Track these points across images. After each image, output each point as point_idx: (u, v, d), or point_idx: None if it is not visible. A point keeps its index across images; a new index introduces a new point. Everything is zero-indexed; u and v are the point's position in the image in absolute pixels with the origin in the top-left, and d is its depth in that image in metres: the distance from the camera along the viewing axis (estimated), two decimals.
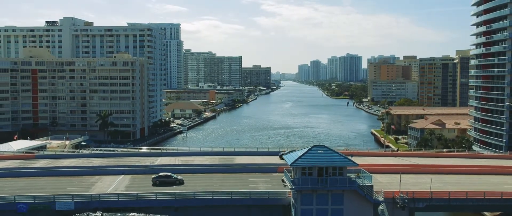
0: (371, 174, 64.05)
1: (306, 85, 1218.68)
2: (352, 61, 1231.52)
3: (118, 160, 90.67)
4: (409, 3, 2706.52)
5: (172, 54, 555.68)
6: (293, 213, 59.39)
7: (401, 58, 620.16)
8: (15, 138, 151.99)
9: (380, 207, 59.05)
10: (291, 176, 60.02)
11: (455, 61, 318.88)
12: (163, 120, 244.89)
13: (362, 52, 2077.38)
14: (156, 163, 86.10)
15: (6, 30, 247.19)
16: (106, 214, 65.86)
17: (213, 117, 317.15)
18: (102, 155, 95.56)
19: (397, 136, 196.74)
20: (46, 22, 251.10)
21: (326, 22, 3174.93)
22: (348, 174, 59.35)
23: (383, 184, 70.63)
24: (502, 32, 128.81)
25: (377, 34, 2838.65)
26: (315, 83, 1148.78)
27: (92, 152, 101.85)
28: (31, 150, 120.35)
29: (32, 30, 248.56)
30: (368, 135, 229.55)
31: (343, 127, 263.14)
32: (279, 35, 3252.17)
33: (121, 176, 76.33)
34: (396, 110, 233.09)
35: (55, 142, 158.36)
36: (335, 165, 57.15)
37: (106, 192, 65.94)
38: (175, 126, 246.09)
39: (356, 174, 59.79)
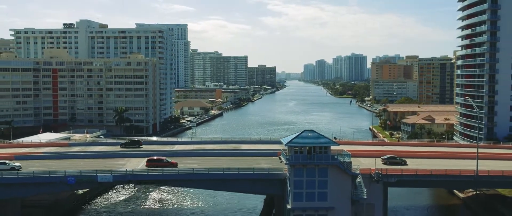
0: (356, 157, 78.46)
1: (311, 84, 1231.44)
2: (357, 60, 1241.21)
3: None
4: (415, 3, 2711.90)
5: (179, 54, 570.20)
6: (288, 184, 74.00)
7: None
8: (40, 132, 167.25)
9: (358, 180, 73.49)
10: (286, 154, 74.63)
11: (452, 61, 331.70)
12: (173, 117, 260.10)
13: (367, 51, 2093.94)
14: (174, 149, 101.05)
15: (26, 32, 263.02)
16: (138, 185, 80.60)
17: (220, 115, 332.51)
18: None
19: (392, 132, 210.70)
20: (64, 24, 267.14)
21: (332, 22, 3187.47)
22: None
23: (365, 164, 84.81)
24: (481, 36, 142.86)
25: (383, 33, 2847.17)
26: (320, 83, 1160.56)
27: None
28: (64, 139, 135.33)
29: (50, 32, 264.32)
30: (367, 131, 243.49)
31: (343, 123, 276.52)
32: (285, 35, 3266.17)
33: (146, 158, 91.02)
34: (392, 108, 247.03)
35: (77, 136, 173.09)
36: (321, 145, 71.66)
37: (137, 168, 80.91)
38: (184, 123, 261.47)
39: (339, 153, 74.33)
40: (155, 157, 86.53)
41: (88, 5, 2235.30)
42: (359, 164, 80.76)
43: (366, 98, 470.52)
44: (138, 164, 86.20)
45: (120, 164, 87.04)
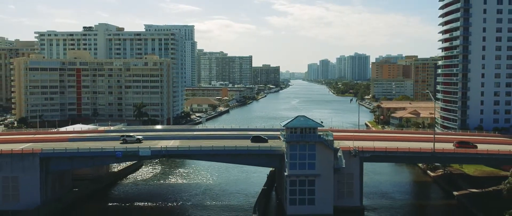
0: (343, 140, 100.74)
1: (315, 83, 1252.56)
2: (360, 60, 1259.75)
3: (166, 132, 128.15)
4: (420, 2, 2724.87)
5: (187, 54, 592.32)
6: (285, 157, 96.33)
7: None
8: (69, 124, 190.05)
9: (339, 153, 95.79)
10: (284, 134, 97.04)
11: None
12: (184, 113, 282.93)
13: (372, 51, 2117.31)
14: (194, 134, 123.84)
15: (49, 35, 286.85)
16: (171, 158, 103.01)
17: (227, 111, 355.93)
18: (154, 130, 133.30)
19: (384, 125, 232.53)
20: (83, 27, 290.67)
21: (337, 22, 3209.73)
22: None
23: (348, 145, 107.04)
24: (457, 40, 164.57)
25: (388, 33, 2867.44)
26: (323, 82, 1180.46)
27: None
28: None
29: (71, 34, 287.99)
30: (362, 125, 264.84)
31: (342, 119, 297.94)
32: (290, 34, 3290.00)
33: (173, 140, 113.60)
34: (385, 104, 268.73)
35: (102, 128, 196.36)
36: (310, 126, 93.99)
37: (169, 146, 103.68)
38: (194, 118, 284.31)
39: (325, 134, 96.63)
40: (462, 142, 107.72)
41: (94, 5, 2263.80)
42: (343, 144, 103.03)
43: (365, 97, 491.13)
44: (168, 144, 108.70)
45: (154, 144, 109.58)
